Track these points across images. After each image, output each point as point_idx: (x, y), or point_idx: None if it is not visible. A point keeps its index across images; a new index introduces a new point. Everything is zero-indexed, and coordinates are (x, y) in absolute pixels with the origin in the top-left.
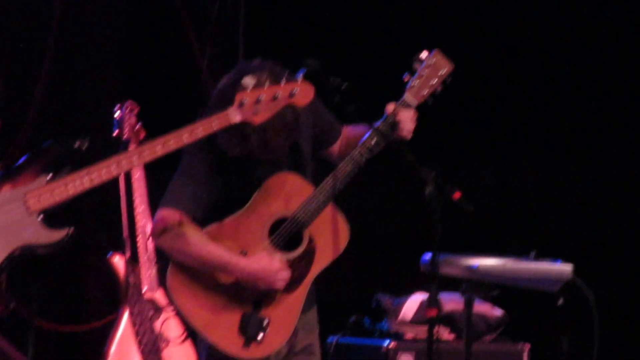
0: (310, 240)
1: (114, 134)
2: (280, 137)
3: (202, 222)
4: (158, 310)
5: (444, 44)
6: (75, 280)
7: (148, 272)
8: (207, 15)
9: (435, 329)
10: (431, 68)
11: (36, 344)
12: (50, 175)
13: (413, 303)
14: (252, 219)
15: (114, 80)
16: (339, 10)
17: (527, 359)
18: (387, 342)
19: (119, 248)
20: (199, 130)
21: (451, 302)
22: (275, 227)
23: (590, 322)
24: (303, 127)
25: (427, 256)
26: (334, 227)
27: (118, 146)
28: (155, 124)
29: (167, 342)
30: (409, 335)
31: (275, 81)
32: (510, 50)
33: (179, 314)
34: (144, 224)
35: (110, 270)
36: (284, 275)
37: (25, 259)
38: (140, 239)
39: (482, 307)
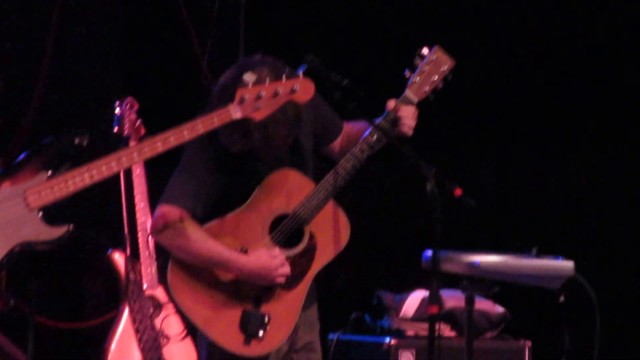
0: (311, 237)
1: (114, 131)
2: (282, 133)
3: (202, 218)
4: (158, 307)
5: (444, 41)
6: (75, 277)
7: (148, 269)
8: (207, 12)
9: (437, 326)
10: (432, 64)
11: (36, 341)
12: (50, 172)
13: (414, 300)
14: (252, 215)
15: (114, 77)
16: (340, 7)
17: (528, 356)
18: (388, 339)
19: (119, 245)
20: (200, 126)
21: (452, 299)
22: (276, 224)
23: (592, 319)
24: (304, 123)
25: (428, 253)
26: (335, 223)
27: (118, 143)
28: (155, 121)
29: (168, 339)
30: (410, 332)
31: (276, 77)
32: (512, 45)
33: (180, 311)
34: (145, 221)
35: (111, 267)
36: (284, 271)
37: (25, 255)
38: (140, 236)
39: (483, 304)
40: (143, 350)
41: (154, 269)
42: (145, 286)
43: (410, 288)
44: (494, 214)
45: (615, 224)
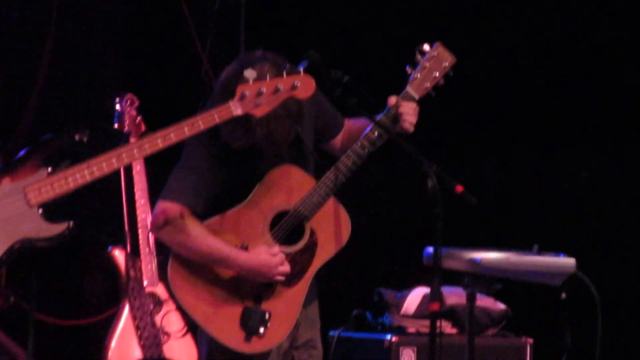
0: (312, 234)
1: (115, 127)
2: (284, 128)
3: (202, 215)
4: (159, 304)
5: (445, 37)
6: (75, 274)
7: (149, 266)
8: (207, 8)
9: (438, 323)
10: (433, 60)
11: (36, 338)
12: (50, 168)
13: (415, 297)
14: (253, 212)
15: (114, 74)
16: (341, 3)
17: (529, 353)
18: (389, 336)
19: (120, 242)
20: (200, 123)
21: (454, 296)
22: (277, 221)
23: (594, 316)
24: (305, 120)
25: (430, 250)
26: (336, 220)
27: (118, 139)
28: (155, 117)
29: (168, 336)
30: (411, 329)
31: (277, 74)
32: (513, 42)
33: (180, 308)
34: (145, 217)
35: (111, 264)
36: (284, 269)
37: (25, 252)
38: (141, 233)
39: (484, 301)
40: (143, 347)
41: (154, 265)
42: (145, 283)
43: (412, 285)
44: (496, 211)
45: (616, 221)
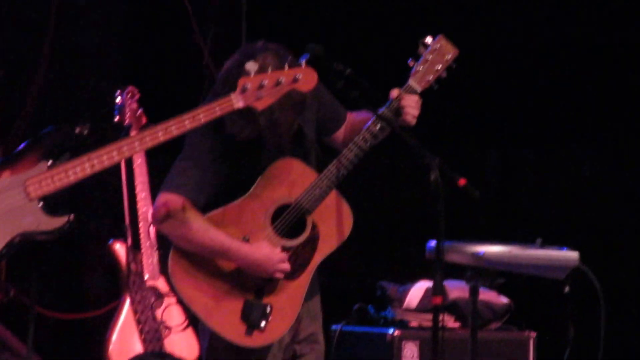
0: (314, 227)
1: (115, 120)
2: (287, 118)
3: (204, 207)
4: (160, 297)
5: (447, 28)
6: (76, 267)
7: (150, 260)
8: (209, 0)
9: (440, 317)
10: (436, 53)
11: (36, 332)
12: (51, 161)
13: (418, 291)
14: (254, 205)
15: (115, 66)
16: None
17: (533, 347)
18: (391, 330)
19: (121, 235)
20: (202, 116)
21: (456, 289)
22: (279, 214)
23: (597, 309)
24: (307, 112)
25: (432, 243)
26: (338, 213)
27: (119, 132)
28: (156, 110)
29: (169, 329)
30: (414, 323)
31: (279, 66)
32: (517, 35)
33: (181, 301)
34: (146, 211)
35: (112, 258)
36: (284, 267)
37: (26, 246)
38: (142, 226)
39: (487, 295)
40: (144, 341)
41: (155, 259)
42: (146, 277)
43: (414, 279)
44: (498, 204)
45: (620, 215)
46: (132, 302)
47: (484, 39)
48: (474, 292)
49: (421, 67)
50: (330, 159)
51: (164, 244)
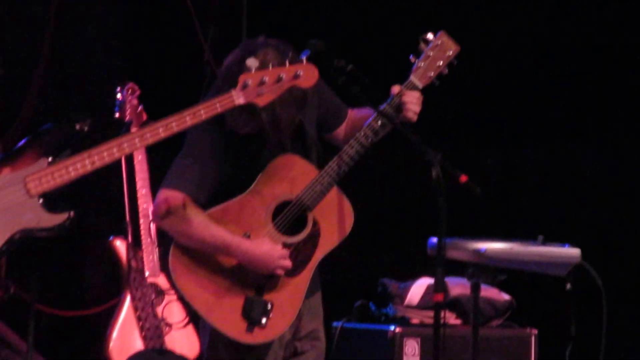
0: (315, 224)
1: (116, 117)
2: (289, 113)
3: (205, 204)
4: (160, 294)
5: (447, 26)
6: (76, 264)
7: (150, 257)
8: None
9: (442, 314)
10: (437, 49)
11: (36, 329)
12: (51, 158)
13: (419, 288)
14: (255, 201)
15: (115, 62)
16: None
17: (534, 343)
18: (392, 327)
19: (121, 232)
20: (202, 112)
21: (458, 286)
22: (279, 210)
23: (599, 306)
24: (308, 109)
25: (434, 240)
26: (339, 210)
27: (120, 129)
28: (157, 106)
29: (170, 326)
30: (415, 320)
31: (280, 62)
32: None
33: (181, 297)
34: (146, 207)
35: (112, 255)
36: (285, 263)
37: (26, 242)
38: (142, 223)
39: (489, 292)
40: (145, 338)
41: (155, 256)
42: (147, 273)
43: (415, 275)
44: (500, 201)
45: (622, 212)
46: (133, 299)
47: (485, 38)
48: (475, 289)
49: (422, 64)
50: (331, 156)
51: (164, 240)
